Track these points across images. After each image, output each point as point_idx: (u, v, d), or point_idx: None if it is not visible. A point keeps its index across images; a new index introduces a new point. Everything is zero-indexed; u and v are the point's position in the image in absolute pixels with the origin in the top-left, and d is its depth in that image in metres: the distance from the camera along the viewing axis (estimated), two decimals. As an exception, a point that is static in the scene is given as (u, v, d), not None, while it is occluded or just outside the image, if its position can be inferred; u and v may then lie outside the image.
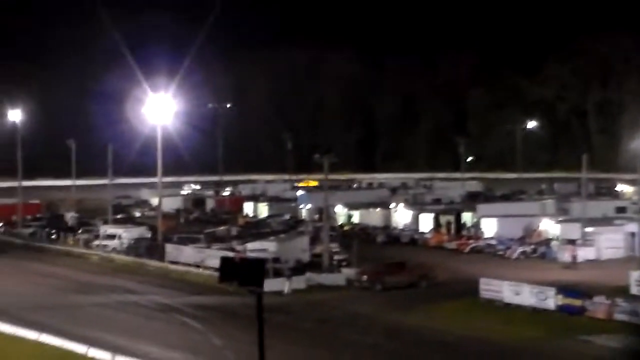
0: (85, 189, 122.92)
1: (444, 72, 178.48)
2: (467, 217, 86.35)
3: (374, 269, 65.26)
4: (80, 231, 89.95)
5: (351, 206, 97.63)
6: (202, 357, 43.34)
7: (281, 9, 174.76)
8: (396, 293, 60.44)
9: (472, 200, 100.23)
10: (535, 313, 52.11)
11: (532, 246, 76.00)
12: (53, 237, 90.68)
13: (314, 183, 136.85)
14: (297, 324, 51.73)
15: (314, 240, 75.64)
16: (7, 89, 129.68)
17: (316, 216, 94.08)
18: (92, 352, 42.25)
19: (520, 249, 75.57)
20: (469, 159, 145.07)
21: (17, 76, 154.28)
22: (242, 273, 27.77)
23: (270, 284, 51.41)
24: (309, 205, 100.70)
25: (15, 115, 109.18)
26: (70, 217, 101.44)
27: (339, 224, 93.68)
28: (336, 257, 70.45)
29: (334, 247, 72.35)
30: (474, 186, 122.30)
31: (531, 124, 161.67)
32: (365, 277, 64.02)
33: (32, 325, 48.05)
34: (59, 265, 77.04)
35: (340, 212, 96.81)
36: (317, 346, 46.77)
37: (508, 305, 54.17)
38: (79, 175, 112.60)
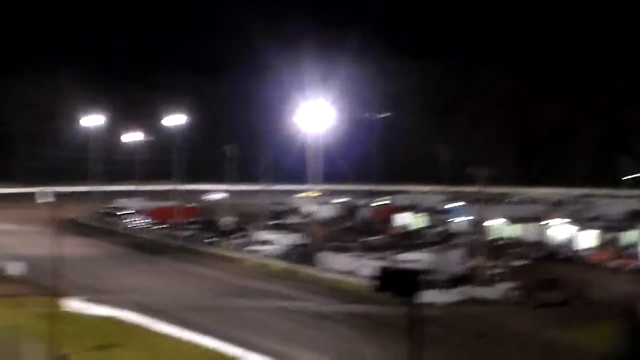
0: (242, 194, 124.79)
1: (604, 87, 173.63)
2: (628, 236, 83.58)
3: (526, 285, 63.92)
4: (235, 236, 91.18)
5: (508, 219, 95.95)
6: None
7: (438, 20, 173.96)
8: (549, 310, 58.95)
9: (634, 219, 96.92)
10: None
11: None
12: (209, 240, 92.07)
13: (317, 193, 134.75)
14: (450, 336, 51.04)
15: (469, 253, 74.63)
16: (168, 95, 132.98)
17: (471, 229, 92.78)
18: (246, 355, 42.61)
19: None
20: (631, 176, 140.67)
21: (179, 83, 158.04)
22: (397, 283, 27.50)
23: (424, 296, 50.76)
24: (464, 218, 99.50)
25: (176, 121, 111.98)
26: (225, 221, 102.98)
27: (494, 237, 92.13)
28: (490, 271, 69.31)
29: (489, 261, 71.19)
30: (636, 204, 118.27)
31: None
32: (517, 293, 62.81)
33: (190, 326, 48.89)
34: (214, 268, 78.22)
35: (497, 225, 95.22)
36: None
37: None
38: (236, 181, 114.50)
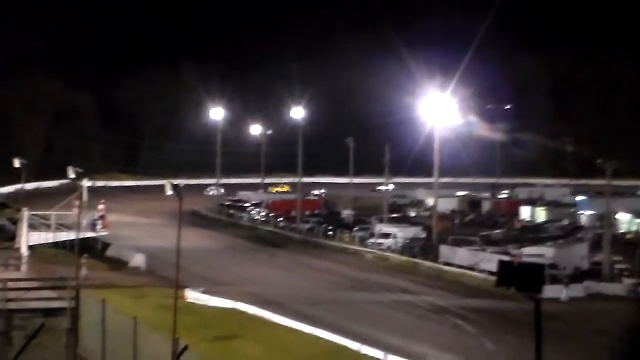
0: (363, 186, 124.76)
1: None
2: None
3: None
4: (356, 229, 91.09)
5: (635, 213, 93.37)
6: (475, 361, 42.37)
7: (560, 10, 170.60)
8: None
9: None
10: None
11: None
12: (330, 233, 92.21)
13: (285, 188, 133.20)
14: (573, 333, 49.95)
15: (594, 247, 72.89)
16: (290, 87, 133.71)
17: (597, 223, 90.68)
18: (365, 349, 42.30)
19: None
20: None
21: (300, 75, 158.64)
22: (519, 278, 26.69)
23: (547, 291, 49.64)
24: (589, 211, 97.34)
25: (298, 114, 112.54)
26: (347, 214, 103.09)
27: (622, 231, 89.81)
28: (617, 266, 67.47)
29: (614, 255, 69.32)
30: None
31: None
32: None
33: (308, 319, 48.84)
34: (334, 261, 78.27)
35: (623, 219, 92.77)
36: (592, 358, 44.75)
37: None
38: (357, 174, 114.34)
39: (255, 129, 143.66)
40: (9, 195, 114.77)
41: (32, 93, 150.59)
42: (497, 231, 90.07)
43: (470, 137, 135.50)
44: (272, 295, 57.94)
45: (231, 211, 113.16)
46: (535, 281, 26.54)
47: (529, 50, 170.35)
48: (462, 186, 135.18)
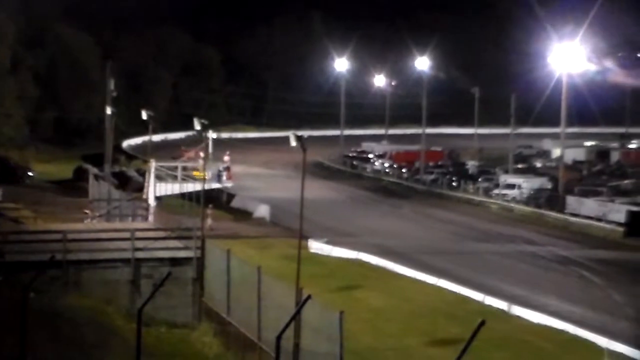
0: (488, 137, 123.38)
1: None
2: None
3: None
4: (480, 179, 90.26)
5: None
6: (601, 312, 41.57)
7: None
8: None
9: None
10: None
11: None
12: (454, 184, 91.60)
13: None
14: None
15: None
16: (415, 37, 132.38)
17: None
18: (489, 299, 42.06)
19: None
20: None
21: (425, 25, 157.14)
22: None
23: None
24: None
25: (422, 64, 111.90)
26: (471, 165, 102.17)
27: None
28: None
29: None
30: None
31: None
32: None
33: (431, 269, 48.77)
34: (458, 212, 77.77)
35: None
36: None
37: None
38: (482, 124, 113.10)
39: (380, 80, 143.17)
40: (137, 146, 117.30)
41: (160, 46, 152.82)
42: (627, 181, 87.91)
43: (600, 86, 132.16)
44: (395, 246, 57.94)
45: (355, 162, 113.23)
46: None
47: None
48: (590, 136, 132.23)
